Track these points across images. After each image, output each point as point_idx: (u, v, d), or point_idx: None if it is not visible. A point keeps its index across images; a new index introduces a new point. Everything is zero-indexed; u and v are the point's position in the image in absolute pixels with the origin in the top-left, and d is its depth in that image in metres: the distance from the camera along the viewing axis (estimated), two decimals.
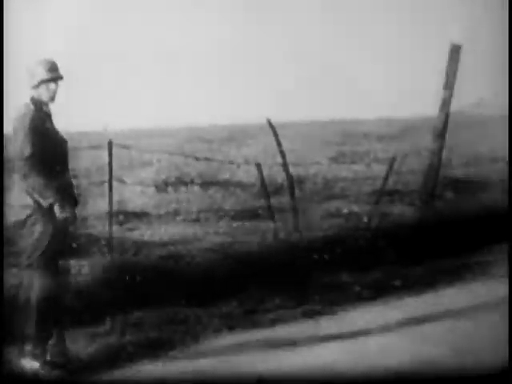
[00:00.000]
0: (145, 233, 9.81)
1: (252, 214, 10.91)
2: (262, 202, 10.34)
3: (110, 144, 8.65)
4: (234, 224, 10.47)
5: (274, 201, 10.10)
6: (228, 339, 6.63)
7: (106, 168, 8.73)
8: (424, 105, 11.53)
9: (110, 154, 8.64)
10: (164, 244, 9.17)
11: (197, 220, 10.87)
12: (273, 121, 9.84)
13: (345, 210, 11.24)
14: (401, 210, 10.92)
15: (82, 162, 10.79)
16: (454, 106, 11.18)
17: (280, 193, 10.89)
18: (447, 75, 10.70)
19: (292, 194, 9.87)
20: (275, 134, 9.78)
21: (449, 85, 10.70)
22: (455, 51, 10.71)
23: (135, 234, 9.76)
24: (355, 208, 11.30)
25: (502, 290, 8.07)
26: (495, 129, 22.29)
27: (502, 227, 10.50)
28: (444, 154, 10.96)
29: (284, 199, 10.27)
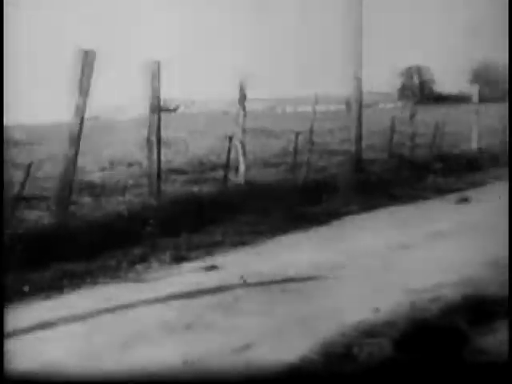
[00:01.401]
0: None
1: None
2: None
3: None
4: None
5: None
6: None
7: None
8: (62, 111, 11.52)
9: None
10: None
11: None
12: None
13: None
14: (38, 216, 10.87)
15: None
16: (91, 112, 11.31)
17: None
18: (81, 81, 10.75)
19: None
20: None
21: (83, 91, 10.77)
22: (89, 57, 10.79)
23: None
24: None
25: (138, 292, 8.43)
26: (130, 133, 22.91)
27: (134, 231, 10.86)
28: (79, 159, 11.06)
29: None
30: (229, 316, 7.38)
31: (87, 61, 10.79)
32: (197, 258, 10.31)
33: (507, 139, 26.72)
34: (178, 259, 10.16)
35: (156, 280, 9.06)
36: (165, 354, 6.28)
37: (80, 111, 10.74)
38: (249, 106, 15.22)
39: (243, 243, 11.25)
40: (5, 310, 6.94)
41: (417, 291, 8.04)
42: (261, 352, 6.31)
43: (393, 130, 21.83)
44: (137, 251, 10.34)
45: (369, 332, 6.71)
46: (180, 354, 6.24)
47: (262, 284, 8.63)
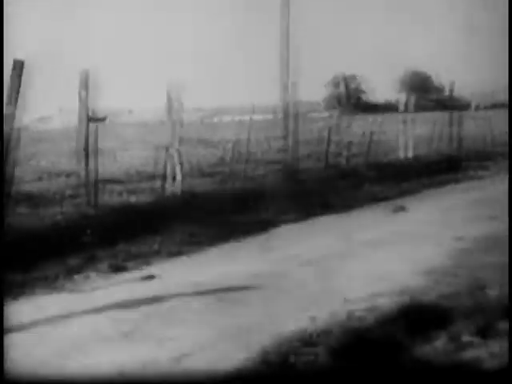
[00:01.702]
0: None
1: None
2: None
3: None
4: None
5: None
6: None
7: None
8: None
9: None
10: None
11: None
12: None
13: None
14: None
15: None
16: (23, 121, 11.17)
17: None
18: (10, 91, 10.60)
19: None
20: None
21: (12, 100, 10.62)
22: (18, 67, 10.64)
23: None
24: None
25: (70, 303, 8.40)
26: (67, 143, 22.74)
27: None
28: (16, 169, 10.96)
29: None
30: (166, 326, 7.40)
31: (16, 70, 10.64)
32: (134, 267, 10.29)
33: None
34: (116, 269, 10.13)
35: (93, 290, 9.03)
36: (101, 364, 6.29)
37: (9, 120, 10.58)
38: (185, 115, 15.20)
39: (180, 253, 11.26)
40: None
41: (353, 301, 8.11)
42: (197, 361, 6.34)
43: (329, 139, 22.07)
44: (74, 261, 10.29)
45: (306, 341, 6.77)
46: (116, 364, 6.24)
47: (198, 293, 8.65)
